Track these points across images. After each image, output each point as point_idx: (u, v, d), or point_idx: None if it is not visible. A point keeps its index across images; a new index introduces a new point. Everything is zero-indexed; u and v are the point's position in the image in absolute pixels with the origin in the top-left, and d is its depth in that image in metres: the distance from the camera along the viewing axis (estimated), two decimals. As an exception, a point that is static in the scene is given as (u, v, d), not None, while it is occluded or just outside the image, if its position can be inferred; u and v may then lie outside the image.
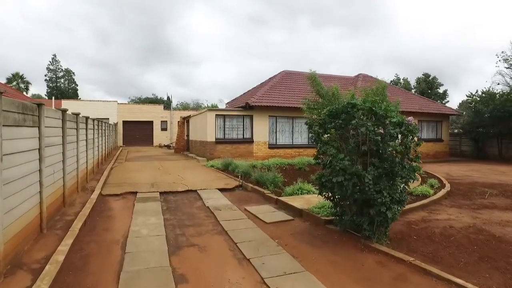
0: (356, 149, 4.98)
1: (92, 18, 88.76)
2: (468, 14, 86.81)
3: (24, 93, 54.55)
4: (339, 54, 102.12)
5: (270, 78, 22.94)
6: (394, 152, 4.70)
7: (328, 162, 5.10)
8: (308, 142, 19.86)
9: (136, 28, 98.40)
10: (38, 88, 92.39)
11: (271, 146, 18.83)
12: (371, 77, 26.25)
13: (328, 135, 5.50)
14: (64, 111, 6.41)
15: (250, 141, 18.25)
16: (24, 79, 55.54)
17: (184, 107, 53.86)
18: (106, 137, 17.46)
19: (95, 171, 11.95)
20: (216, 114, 17.51)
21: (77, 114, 8.08)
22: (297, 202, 7.44)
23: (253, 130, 18.33)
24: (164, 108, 35.36)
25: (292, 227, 6.08)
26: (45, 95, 56.79)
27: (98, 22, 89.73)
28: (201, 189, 9.42)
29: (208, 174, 12.65)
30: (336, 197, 5.49)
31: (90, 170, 10.58)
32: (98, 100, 32.35)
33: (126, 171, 13.29)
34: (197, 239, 5.32)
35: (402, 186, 4.88)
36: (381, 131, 4.67)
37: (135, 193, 8.79)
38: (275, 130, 19.11)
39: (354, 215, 5.15)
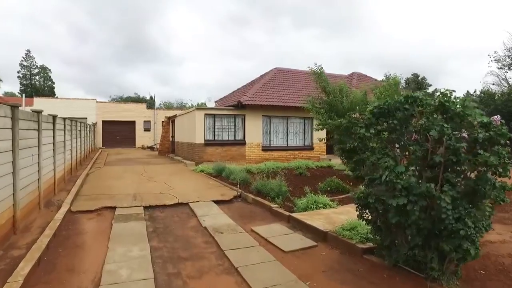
0: (421, 160, 3.60)
1: (69, 14, 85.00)
2: (444, 19, 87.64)
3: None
4: (321, 55, 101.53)
5: (261, 76, 21.55)
6: (483, 165, 3.33)
7: (382, 176, 3.68)
8: (303, 144, 18.62)
9: (116, 26, 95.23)
10: (11, 86, 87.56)
11: (265, 148, 17.43)
12: (366, 75, 25.29)
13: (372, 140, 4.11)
14: (14, 107, 4.78)
15: (242, 143, 16.79)
16: (-5, 76, 52.35)
17: (168, 106, 51.82)
18: (82, 138, 15.64)
19: (67, 179, 10.23)
20: (205, 114, 15.96)
21: (38, 112, 6.43)
22: (316, 220, 6.03)
23: (245, 131, 16.88)
24: (147, 107, 33.39)
25: (320, 259, 4.66)
26: (18, 92, 53.56)
27: (75, 19, 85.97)
28: (193, 202, 7.91)
29: (199, 181, 11.11)
30: (389, 223, 4.09)
31: (59, 179, 8.89)
32: (75, 98, 30.03)
33: (104, 178, 11.59)
34: (198, 284, 3.84)
35: (489, 211, 3.53)
36: (465, 135, 3.32)
37: (113, 208, 7.19)
38: (269, 131, 17.72)
39: (415, 248, 3.77)
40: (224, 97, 24.04)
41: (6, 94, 49.36)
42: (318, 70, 10.85)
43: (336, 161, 17.02)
